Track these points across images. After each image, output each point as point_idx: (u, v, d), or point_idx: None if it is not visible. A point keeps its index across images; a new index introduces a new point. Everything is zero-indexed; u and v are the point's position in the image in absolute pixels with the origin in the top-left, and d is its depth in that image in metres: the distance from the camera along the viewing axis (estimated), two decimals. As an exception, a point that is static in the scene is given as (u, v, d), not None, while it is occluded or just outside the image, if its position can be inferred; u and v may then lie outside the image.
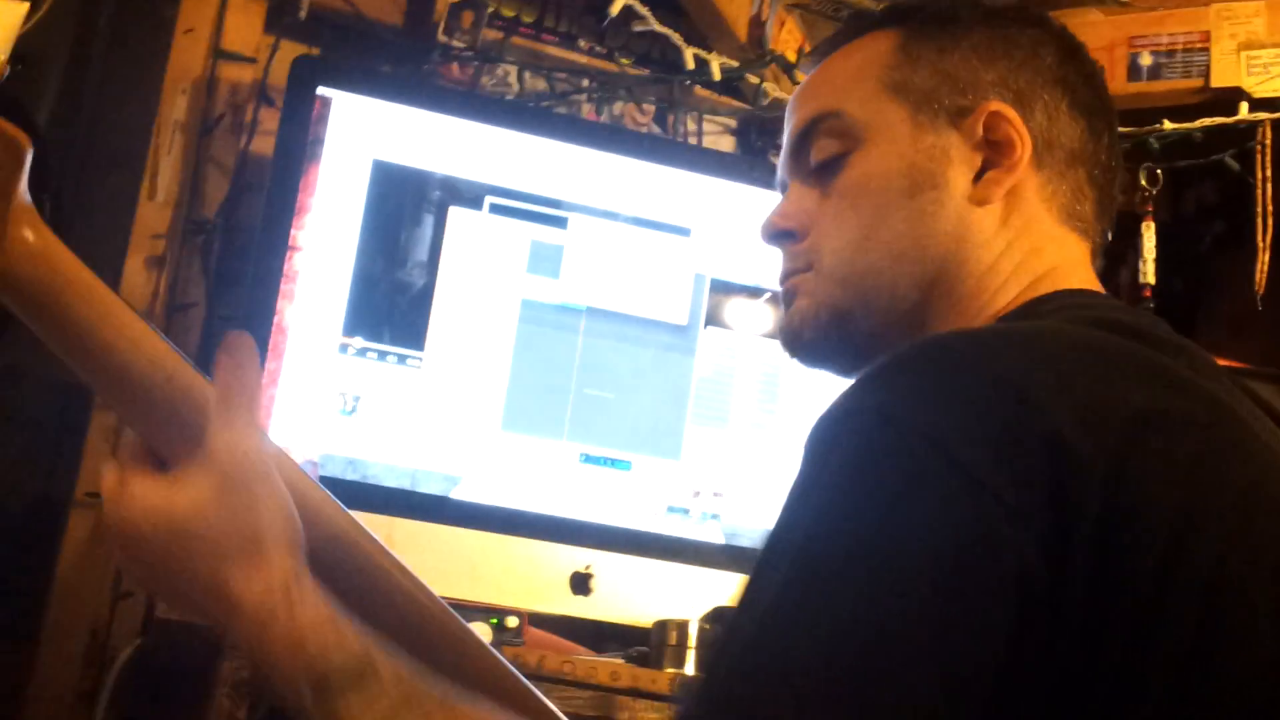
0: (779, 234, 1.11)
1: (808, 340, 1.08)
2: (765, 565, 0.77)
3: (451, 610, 1.04)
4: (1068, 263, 1.05)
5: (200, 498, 0.86)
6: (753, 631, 0.74)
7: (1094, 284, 1.05)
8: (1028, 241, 1.03)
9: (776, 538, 0.78)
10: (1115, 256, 2.54)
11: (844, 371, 1.09)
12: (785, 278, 1.11)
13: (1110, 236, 1.12)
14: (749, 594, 0.77)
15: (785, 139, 1.14)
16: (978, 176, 1.04)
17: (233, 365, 0.90)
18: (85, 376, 0.90)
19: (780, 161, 1.15)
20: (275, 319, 1.92)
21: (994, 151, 1.04)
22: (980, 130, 1.04)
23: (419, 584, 1.02)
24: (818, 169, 1.09)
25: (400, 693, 0.84)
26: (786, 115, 1.14)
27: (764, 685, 0.70)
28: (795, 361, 1.11)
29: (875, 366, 0.82)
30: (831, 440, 0.78)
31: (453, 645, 1.01)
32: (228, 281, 2.08)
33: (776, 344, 1.15)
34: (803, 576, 0.74)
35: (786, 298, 1.10)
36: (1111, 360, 0.83)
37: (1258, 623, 0.74)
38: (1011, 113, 1.04)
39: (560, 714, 1.08)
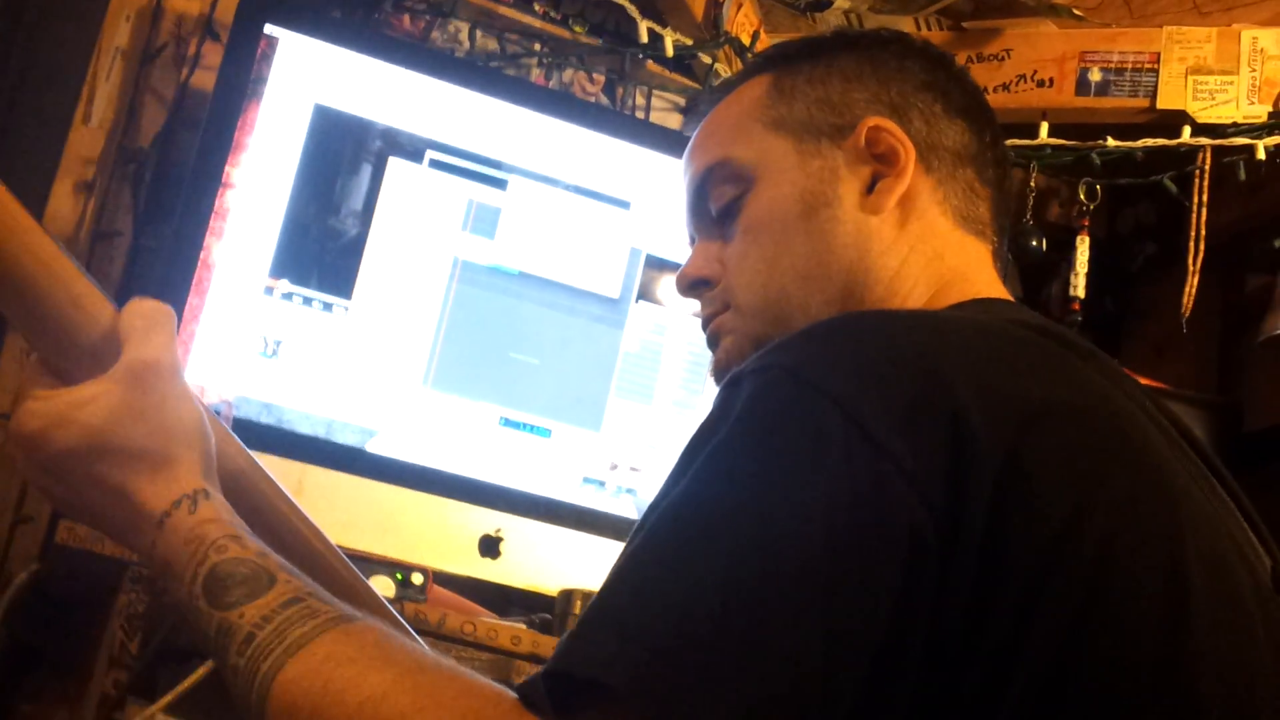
0: (693, 284, 1.14)
1: None
2: (656, 508, 0.78)
3: (347, 560, 1.04)
4: (972, 268, 1.07)
5: (113, 405, 0.88)
6: (635, 576, 0.74)
7: (1002, 291, 1.08)
8: (928, 246, 1.06)
9: (671, 482, 0.79)
10: (1047, 269, 2.57)
11: None
12: (706, 322, 1.13)
13: (1005, 237, 1.14)
14: (638, 537, 0.77)
15: (684, 198, 1.17)
16: (869, 189, 1.07)
17: (156, 302, 0.93)
18: None
19: (685, 220, 1.18)
20: (202, 255, 1.89)
21: (880, 163, 1.07)
22: (863, 145, 1.07)
23: (315, 530, 1.03)
24: (718, 217, 1.12)
25: (293, 597, 0.84)
26: (680, 177, 1.18)
27: (640, 632, 0.70)
28: None
29: (791, 334, 0.83)
30: (737, 394, 0.79)
31: (344, 593, 1.01)
32: (156, 213, 2.05)
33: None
34: (691, 522, 0.74)
35: (711, 341, 1.13)
36: (1020, 351, 0.85)
37: (1139, 609, 0.75)
38: (890, 124, 1.07)
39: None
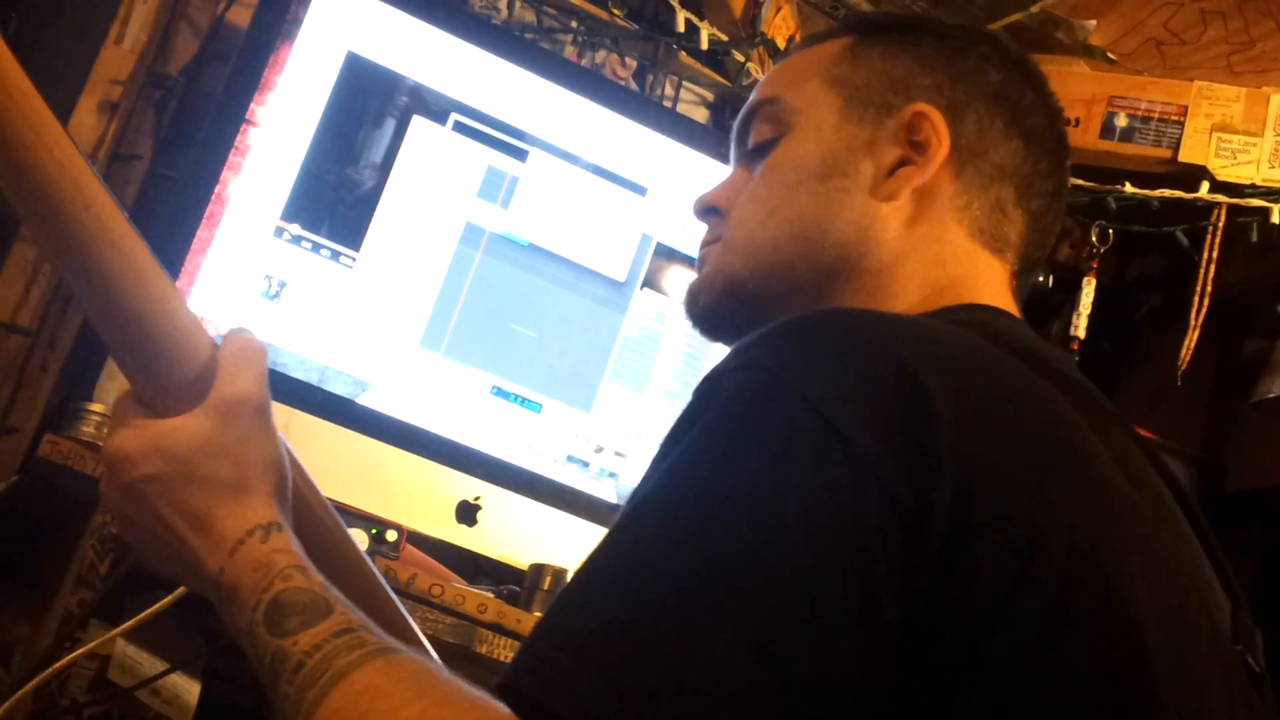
0: (706, 209, 1.14)
1: (703, 305, 1.10)
2: (630, 504, 0.77)
3: (394, 596, 1.06)
4: (978, 278, 1.05)
5: (200, 437, 0.91)
6: (594, 585, 0.73)
7: (1008, 304, 1.05)
8: (931, 250, 1.04)
9: (644, 479, 0.78)
10: (1051, 308, 2.57)
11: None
12: (701, 247, 1.14)
13: (1037, 267, 1.11)
14: (610, 531, 0.76)
15: (736, 124, 1.17)
16: (891, 172, 1.05)
17: (252, 337, 0.97)
18: (2, 184, 0.89)
19: (730, 147, 1.18)
20: (217, 189, 1.90)
21: (913, 150, 1.05)
22: (903, 129, 1.05)
23: (368, 565, 1.06)
24: (753, 151, 1.12)
25: (344, 627, 0.84)
26: None
27: (590, 652, 0.69)
28: (694, 329, 1.13)
29: (770, 327, 0.82)
30: (713, 392, 0.78)
31: (386, 625, 1.03)
32: (177, 142, 2.05)
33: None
34: (654, 531, 0.74)
35: (698, 266, 1.13)
36: (995, 375, 0.83)
37: (1093, 649, 0.75)
38: (937, 115, 1.05)
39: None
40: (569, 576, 1.82)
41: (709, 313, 1.10)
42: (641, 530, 0.74)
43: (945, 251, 1.04)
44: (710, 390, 0.79)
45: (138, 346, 0.92)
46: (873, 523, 0.71)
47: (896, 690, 0.71)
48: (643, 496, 0.76)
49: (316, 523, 1.02)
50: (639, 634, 0.69)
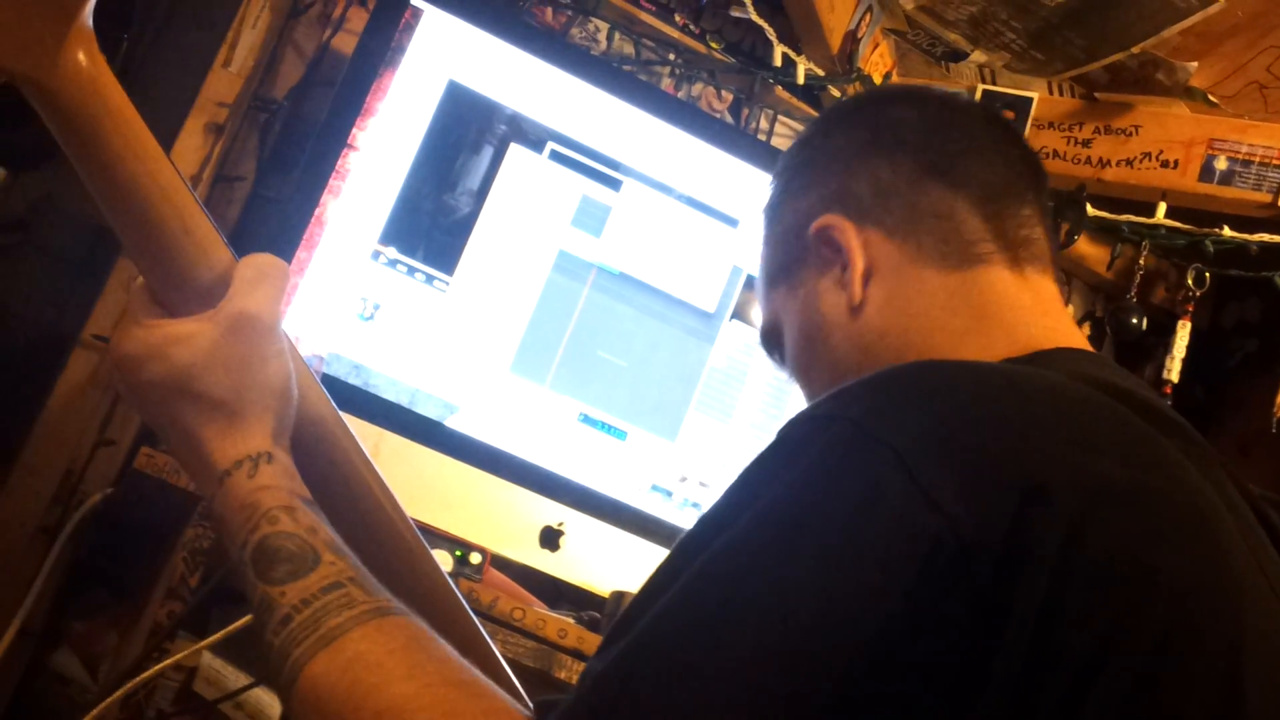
0: (769, 347, 1.21)
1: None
2: (701, 537, 0.76)
3: (412, 523, 1.05)
4: (1004, 307, 1.03)
5: (203, 349, 0.90)
6: (662, 627, 0.73)
7: (1072, 334, 1.04)
8: (915, 307, 1.04)
9: (723, 512, 0.77)
10: (1143, 351, 2.55)
11: None
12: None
13: (1046, 215, 1.10)
14: (677, 559, 0.76)
15: None
16: (845, 288, 1.06)
17: (273, 257, 0.95)
18: (105, 210, 0.91)
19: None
20: (317, 211, 1.93)
21: (839, 255, 1.07)
22: (821, 251, 1.08)
23: (386, 490, 1.03)
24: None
25: (334, 582, 0.84)
26: None
27: (651, 697, 0.70)
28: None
29: (867, 377, 0.81)
30: (805, 439, 0.78)
31: (405, 558, 1.02)
32: (279, 165, 2.09)
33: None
34: (729, 586, 0.73)
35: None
36: (1099, 423, 0.82)
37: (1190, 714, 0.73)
38: (831, 216, 1.07)
39: (500, 657, 1.09)
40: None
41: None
42: (710, 592, 0.73)
43: (934, 300, 1.04)
44: (798, 440, 0.78)
45: (147, 236, 0.90)
46: (948, 579, 0.70)
47: None
48: (717, 555, 0.74)
49: (332, 440, 1.00)
50: (702, 683, 0.69)
